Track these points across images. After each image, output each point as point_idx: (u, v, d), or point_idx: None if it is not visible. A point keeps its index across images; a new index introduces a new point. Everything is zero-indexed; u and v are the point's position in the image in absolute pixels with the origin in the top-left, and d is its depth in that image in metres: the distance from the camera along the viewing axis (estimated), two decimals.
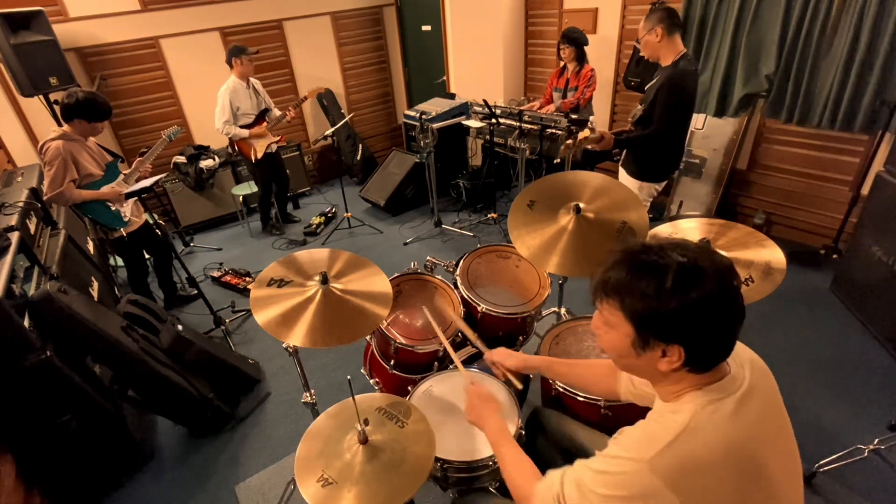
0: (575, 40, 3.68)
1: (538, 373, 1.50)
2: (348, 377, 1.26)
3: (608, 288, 0.85)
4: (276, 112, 4.06)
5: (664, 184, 2.68)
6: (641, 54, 2.52)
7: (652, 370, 0.86)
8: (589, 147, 2.43)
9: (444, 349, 1.85)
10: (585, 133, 2.37)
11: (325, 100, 5.31)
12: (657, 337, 0.81)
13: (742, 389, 0.84)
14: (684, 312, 0.77)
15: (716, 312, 0.77)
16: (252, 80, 3.92)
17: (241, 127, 3.86)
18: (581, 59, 3.77)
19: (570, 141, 2.40)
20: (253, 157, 3.95)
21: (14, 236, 2.06)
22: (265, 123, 3.98)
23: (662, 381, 0.88)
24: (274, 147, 4.06)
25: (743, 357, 0.91)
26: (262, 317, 1.47)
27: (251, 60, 3.74)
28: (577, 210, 1.77)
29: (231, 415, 2.48)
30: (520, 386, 1.42)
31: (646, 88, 2.53)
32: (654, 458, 0.77)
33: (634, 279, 0.81)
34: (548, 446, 1.48)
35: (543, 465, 1.26)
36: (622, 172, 2.74)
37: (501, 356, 1.46)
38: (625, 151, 2.73)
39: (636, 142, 2.51)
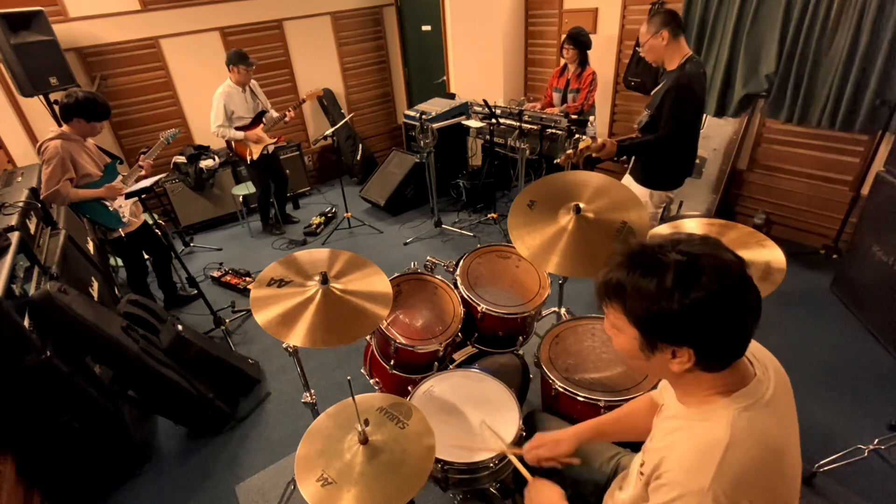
0: (582, 43, 3.68)
1: (592, 441, 1.33)
2: (348, 377, 1.26)
3: (610, 291, 0.84)
4: (274, 114, 4.05)
5: (675, 191, 2.58)
6: (645, 58, 2.41)
7: (665, 371, 0.85)
8: (592, 155, 2.36)
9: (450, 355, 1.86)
10: (587, 142, 2.30)
11: (325, 100, 5.31)
12: (663, 339, 0.80)
13: (770, 392, 0.84)
14: (687, 313, 0.75)
15: (722, 311, 0.75)
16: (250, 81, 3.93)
17: (237, 129, 3.86)
18: (583, 61, 3.77)
19: (570, 151, 2.31)
20: (248, 158, 3.95)
21: (14, 236, 2.05)
22: (262, 126, 3.98)
23: (681, 381, 0.87)
24: (271, 148, 4.05)
25: (764, 358, 0.91)
26: (262, 317, 1.47)
27: (248, 71, 3.69)
28: (577, 210, 1.77)
29: (231, 415, 2.48)
30: (578, 461, 1.27)
31: (652, 93, 2.43)
32: (712, 484, 0.75)
33: (634, 281, 0.79)
34: None
35: (540, 473, 1.26)
36: (630, 180, 2.61)
37: (549, 450, 1.27)
38: (633, 158, 2.61)
39: (643, 147, 2.40)
